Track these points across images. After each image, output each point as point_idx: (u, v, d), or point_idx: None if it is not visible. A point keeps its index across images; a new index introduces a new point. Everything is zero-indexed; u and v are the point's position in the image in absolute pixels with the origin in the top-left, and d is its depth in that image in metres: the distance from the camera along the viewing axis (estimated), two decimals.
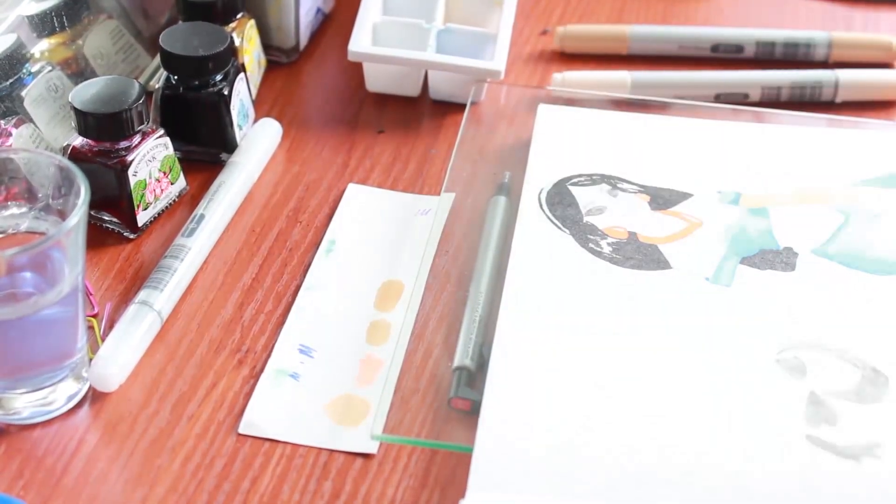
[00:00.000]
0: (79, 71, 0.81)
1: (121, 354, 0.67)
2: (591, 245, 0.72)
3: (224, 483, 0.62)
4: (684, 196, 0.75)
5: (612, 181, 0.76)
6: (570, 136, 0.79)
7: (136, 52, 0.85)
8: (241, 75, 0.80)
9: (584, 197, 0.75)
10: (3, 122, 0.74)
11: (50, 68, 0.78)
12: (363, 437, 0.64)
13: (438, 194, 0.78)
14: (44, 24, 0.79)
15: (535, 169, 0.77)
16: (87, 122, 0.73)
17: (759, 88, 0.85)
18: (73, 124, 0.74)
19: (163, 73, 0.79)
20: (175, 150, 0.77)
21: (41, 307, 0.62)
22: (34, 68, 0.77)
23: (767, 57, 0.88)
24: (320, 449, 0.64)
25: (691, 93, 0.84)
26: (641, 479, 0.60)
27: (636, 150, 0.78)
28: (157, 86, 0.79)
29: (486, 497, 0.60)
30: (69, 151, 0.73)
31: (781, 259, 0.71)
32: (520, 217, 0.73)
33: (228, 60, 0.79)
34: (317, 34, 0.92)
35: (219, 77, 0.78)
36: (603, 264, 0.71)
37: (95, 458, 0.63)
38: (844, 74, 0.84)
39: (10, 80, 0.76)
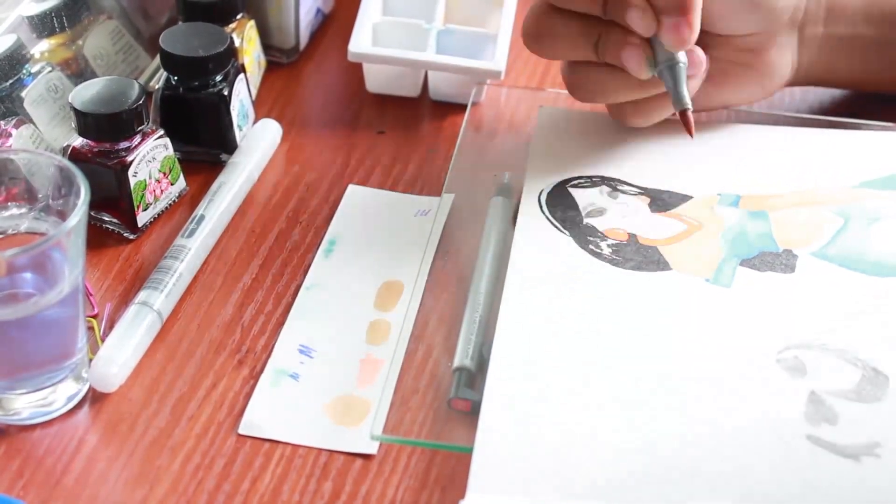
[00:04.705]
0: (79, 71, 0.81)
1: (121, 355, 0.67)
2: (591, 247, 0.72)
3: (224, 483, 0.62)
4: (684, 198, 0.75)
5: (612, 183, 0.76)
6: (570, 138, 0.79)
7: (135, 52, 0.85)
8: (241, 76, 0.80)
9: (584, 199, 0.75)
10: (3, 122, 0.74)
11: (50, 69, 0.78)
12: (363, 437, 0.64)
13: (438, 195, 0.78)
14: (44, 24, 0.79)
15: (535, 171, 0.77)
16: (87, 122, 0.73)
17: None
18: (73, 125, 0.74)
19: (163, 74, 0.79)
20: (175, 150, 0.77)
21: (41, 308, 0.62)
22: (34, 69, 0.77)
23: None
24: (320, 449, 0.64)
25: None
26: (641, 479, 0.60)
27: (636, 152, 0.78)
28: (157, 86, 0.79)
29: (486, 497, 0.60)
30: (69, 152, 0.73)
31: (781, 261, 0.71)
32: (520, 219, 0.73)
33: (228, 61, 0.79)
34: (317, 34, 0.92)
35: (219, 78, 0.78)
36: (603, 266, 0.71)
37: (95, 459, 0.63)
38: None
39: (10, 81, 0.76)
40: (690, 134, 0.71)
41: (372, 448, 0.64)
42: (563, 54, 0.75)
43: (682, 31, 0.70)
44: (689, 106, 0.71)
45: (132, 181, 0.74)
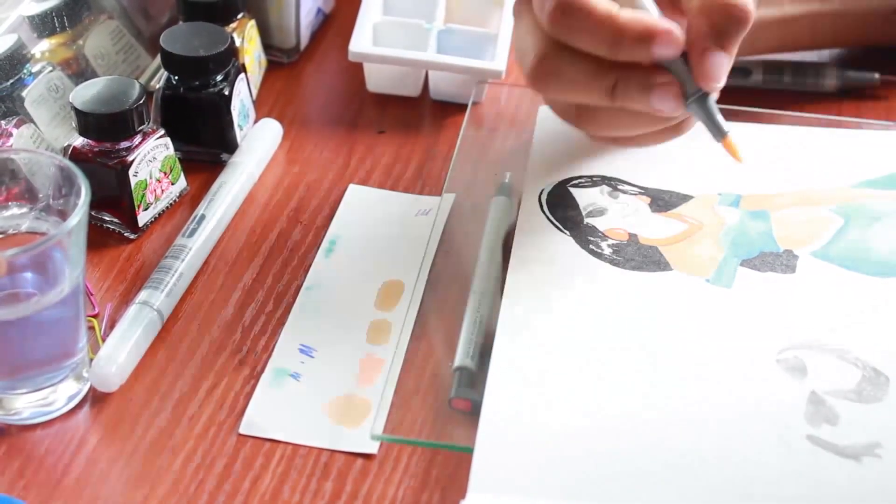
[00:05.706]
0: (79, 71, 0.81)
1: (121, 355, 0.67)
2: (591, 247, 0.72)
3: (225, 483, 0.62)
4: (685, 198, 0.75)
5: (612, 183, 0.76)
6: (571, 138, 0.79)
7: (136, 52, 0.85)
8: (242, 75, 0.80)
9: (585, 198, 0.75)
10: (3, 122, 0.74)
11: (50, 69, 0.78)
12: (364, 437, 0.64)
13: (439, 194, 0.78)
14: (44, 24, 0.79)
15: (536, 170, 0.77)
16: (88, 122, 0.73)
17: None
18: (73, 124, 0.74)
19: (163, 74, 0.79)
20: (176, 150, 0.77)
21: (42, 307, 0.62)
22: (35, 69, 0.77)
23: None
24: (321, 449, 0.64)
25: None
26: (641, 479, 0.60)
27: (637, 152, 0.78)
28: (157, 86, 0.79)
29: (486, 497, 0.60)
30: (70, 152, 0.74)
31: (781, 261, 0.71)
32: (520, 219, 0.73)
33: (229, 61, 0.79)
34: (317, 34, 0.92)
35: (219, 77, 0.79)
36: (603, 266, 0.71)
37: (96, 459, 0.63)
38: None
39: (11, 81, 0.76)
40: (738, 159, 0.67)
41: (372, 448, 0.64)
42: (573, 98, 0.69)
43: (721, 68, 0.65)
44: (728, 131, 0.67)
45: (133, 181, 0.74)
